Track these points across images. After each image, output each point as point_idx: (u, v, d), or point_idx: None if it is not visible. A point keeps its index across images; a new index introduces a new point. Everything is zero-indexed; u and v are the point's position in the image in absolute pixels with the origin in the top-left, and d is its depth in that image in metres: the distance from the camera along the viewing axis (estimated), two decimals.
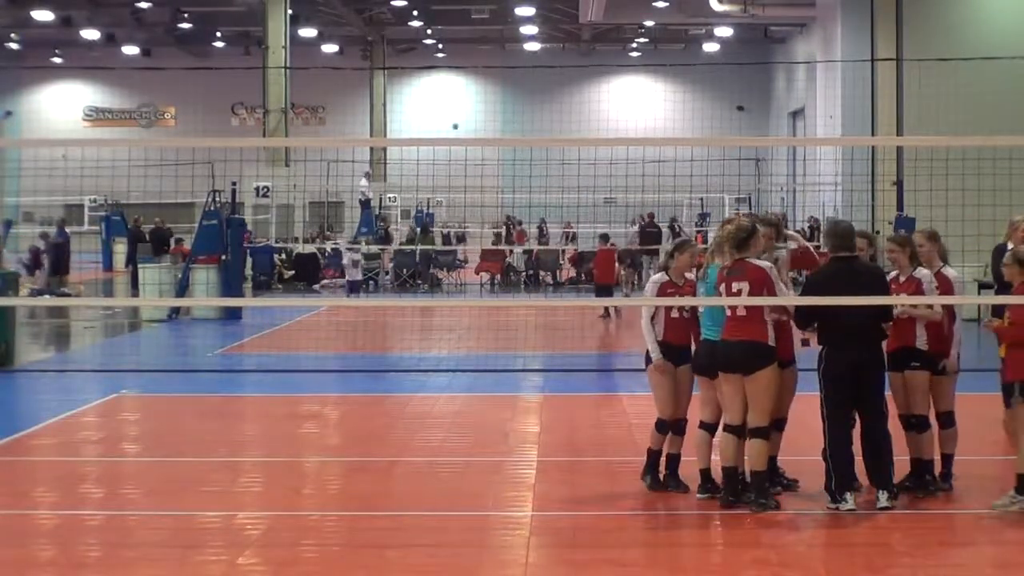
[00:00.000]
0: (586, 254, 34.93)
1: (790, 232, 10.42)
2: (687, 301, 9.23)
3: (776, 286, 9.05)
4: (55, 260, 29.14)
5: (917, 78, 28.90)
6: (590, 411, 13.68)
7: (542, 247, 32.98)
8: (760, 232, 9.34)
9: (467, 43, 55.16)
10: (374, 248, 33.80)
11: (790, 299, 9.31)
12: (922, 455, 9.44)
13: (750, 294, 8.94)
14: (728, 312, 9.02)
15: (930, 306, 9.26)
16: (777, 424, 9.47)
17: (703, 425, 9.39)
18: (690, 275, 9.58)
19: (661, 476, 9.57)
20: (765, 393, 8.95)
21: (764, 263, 9.08)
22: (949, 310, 9.44)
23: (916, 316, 9.26)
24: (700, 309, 9.30)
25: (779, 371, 9.08)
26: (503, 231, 38.16)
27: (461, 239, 38.89)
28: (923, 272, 9.40)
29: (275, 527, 8.86)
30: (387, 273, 32.91)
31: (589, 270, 33.77)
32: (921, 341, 9.32)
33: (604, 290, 24.76)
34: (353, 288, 27.16)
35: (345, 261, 28.14)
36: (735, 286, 9.01)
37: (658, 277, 9.60)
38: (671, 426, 9.48)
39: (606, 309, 24.00)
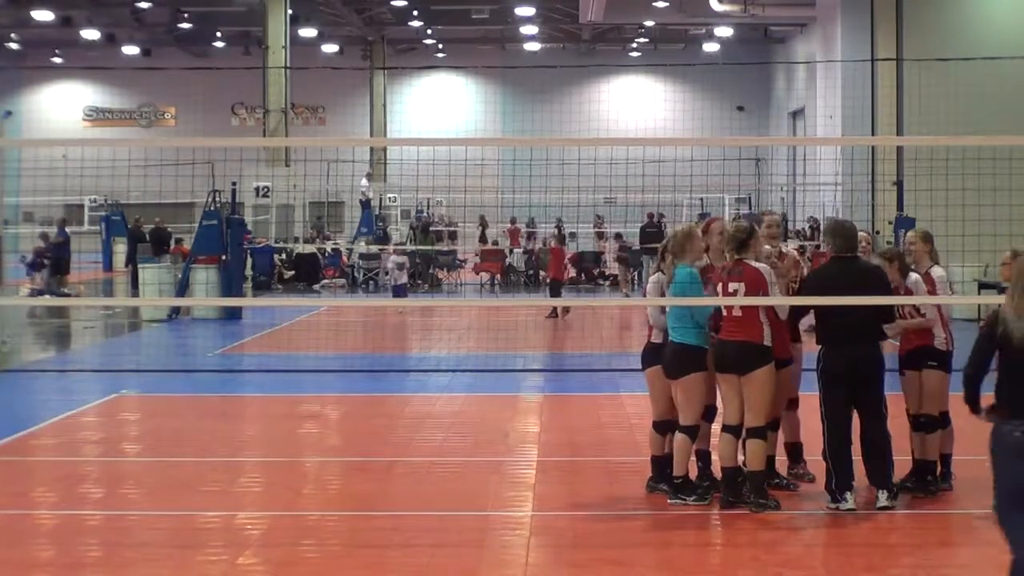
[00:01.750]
0: (586, 254, 35.03)
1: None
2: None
3: (772, 288, 9.05)
4: (56, 260, 29.16)
5: (917, 78, 28.88)
6: (590, 411, 13.68)
7: (542, 248, 32.93)
8: (759, 233, 9.37)
9: (467, 43, 55.15)
10: (374, 248, 33.80)
11: (784, 299, 9.32)
12: (926, 456, 9.45)
13: (745, 295, 8.95)
14: (724, 312, 9.03)
15: (922, 315, 9.30)
16: (772, 424, 9.50)
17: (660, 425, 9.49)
18: None
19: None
20: (761, 393, 8.95)
21: (762, 265, 9.09)
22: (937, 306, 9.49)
23: (910, 327, 9.31)
24: (667, 309, 9.29)
25: (775, 371, 9.08)
26: (478, 231, 38.11)
27: (452, 236, 38.95)
28: (912, 277, 9.45)
29: (275, 527, 8.87)
30: (387, 273, 32.89)
31: (588, 269, 33.91)
32: (939, 340, 9.36)
33: (555, 288, 24.69)
34: (398, 292, 26.65)
35: (390, 264, 27.84)
36: (731, 286, 9.02)
37: (657, 278, 9.58)
38: (669, 426, 9.49)
39: (554, 309, 24.03)
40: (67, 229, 32.31)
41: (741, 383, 8.96)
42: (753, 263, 9.05)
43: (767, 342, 8.98)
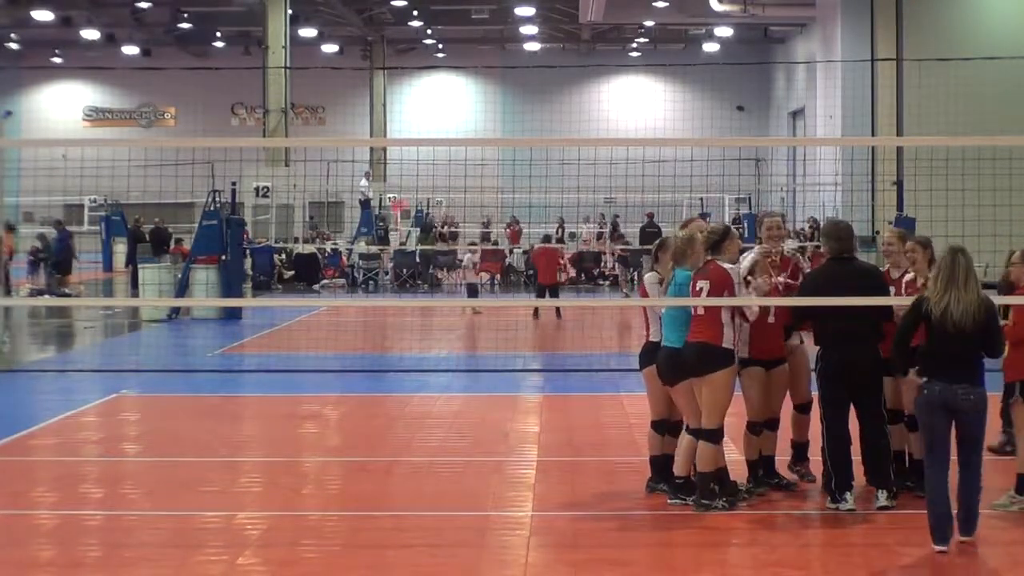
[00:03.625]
0: (586, 254, 35.04)
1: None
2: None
3: (739, 288, 9.03)
4: (63, 260, 29.34)
5: (917, 78, 28.90)
6: (590, 411, 13.68)
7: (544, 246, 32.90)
8: (734, 234, 9.38)
9: (467, 43, 55.15)
10: (374, 248, 33.82)
11: (771, 300, 9.28)
12: None
13: (709, 294, 8.94)
14: (693, 312, 9.03)
15: None
16: (770, 424, 9.49)
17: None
18: None
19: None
20: (714, 396, 8.89)
21: (728, 265, 9.08)
22: None
23: None
24: (660, 311, 9.27)
25: (734, 373, 9.03)
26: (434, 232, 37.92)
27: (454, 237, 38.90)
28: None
29: (275, 527, 8.87)
30: (387, 273, 32.93)
31: (588, 269, 33.92)
32: None
33: (541, 292, 24.65)
34: (472, 292, 26.69)
35: (465, 262, 27.81)
36: (699, 285, 9.03)
37: (653, 276, 9.58)
38: (667, 426, 9.49)
39: (536, 310, 24.05)
40: (67, 229, 32.34)
41: (699, 384, 8.94)
42: (722, 263, 9.05)
43: (727, 344, 8.93)
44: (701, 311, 8.93)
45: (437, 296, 30.74)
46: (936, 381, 8.07)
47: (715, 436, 8.96)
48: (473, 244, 30.51)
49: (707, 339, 8.87)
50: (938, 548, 7.98)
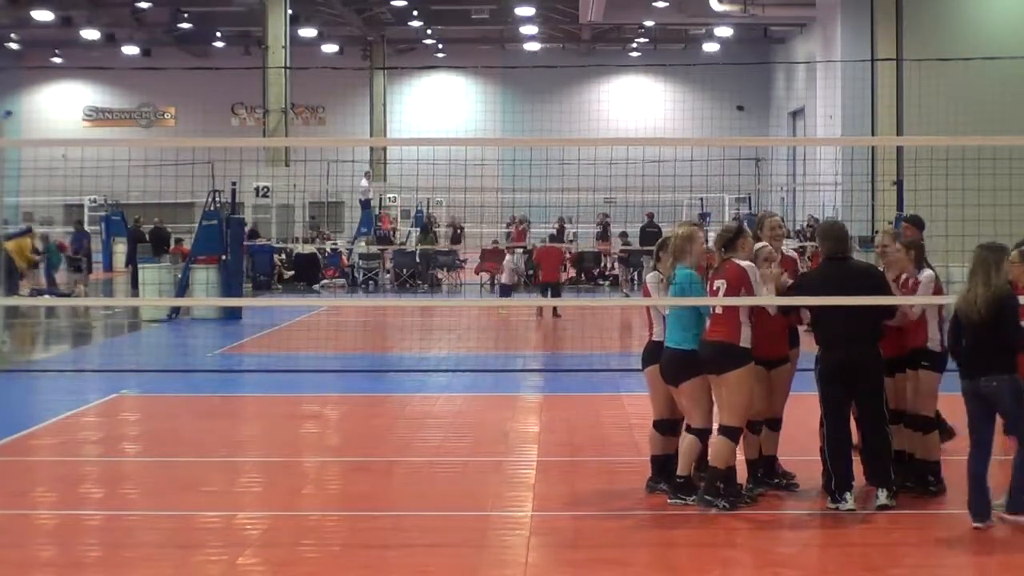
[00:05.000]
0: (586, 254, 35.02)
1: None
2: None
3: (756, 287, 9.03)
4: (83, 259, 29.63)
5: (917, 78, 28.89)
6: (590, 411, 13.67)
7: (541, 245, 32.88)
8: (747, 232, 9.37)
9: (467, 43, 55.17)
10: (374, 248, 33.80)
11: (774, 299, 9.28)
12: (929, 456, 9.43)
13: (726, 293, 8.94)
14: (711, 311, 9.02)
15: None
16: (771, 423, 9.48)
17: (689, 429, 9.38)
18: None
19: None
20: (732, 394, 8.89)
21: (747, 263, 9.08)
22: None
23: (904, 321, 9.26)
24: (664, 311, 9.27)
25: (753, 372, 9.02)
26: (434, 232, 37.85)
27: (456, 240, 38.90)
28: (926, 272, 9.43)
29: (275, 527, 8.87)
30: (387, 273, 32.92)
31: (588, 269, 33.90)
32: (934, 342, 9.31)
33: (545, 290, 24.64)
34: (506, 291, 26.72)
35: (506, 262, 27.90)
36: (715, 284, 9.04)
37: (655, 276, 9.58)
38: (669, 426, 9.48)
39: (540, 309, 24.03)
40: (62, 230, 32.47)
41: (717, 383, 8.94)
42: (739, 262, 9.06)
43: (744, 344, 8.93)
44: (719, 310, 8.93)
45: (437, 296, 30.72)
46: (964, 373, 8.55)
47: (734, 434, 8.96)
48: (498, 243, 30.59)
49: (725, 338, 8.88)
50: (975, 524, 8.44)
